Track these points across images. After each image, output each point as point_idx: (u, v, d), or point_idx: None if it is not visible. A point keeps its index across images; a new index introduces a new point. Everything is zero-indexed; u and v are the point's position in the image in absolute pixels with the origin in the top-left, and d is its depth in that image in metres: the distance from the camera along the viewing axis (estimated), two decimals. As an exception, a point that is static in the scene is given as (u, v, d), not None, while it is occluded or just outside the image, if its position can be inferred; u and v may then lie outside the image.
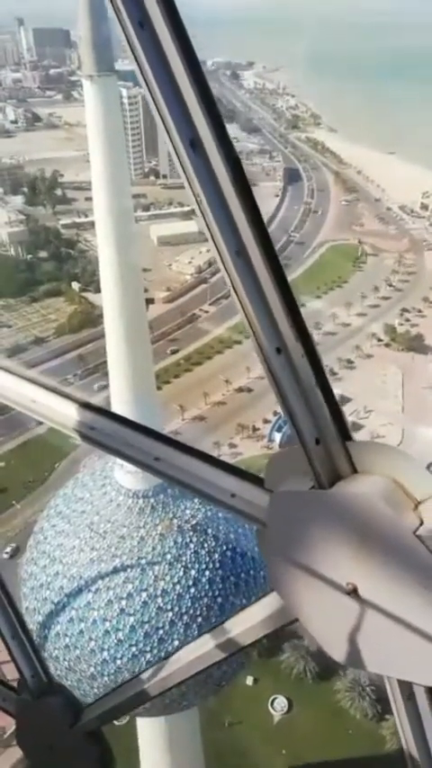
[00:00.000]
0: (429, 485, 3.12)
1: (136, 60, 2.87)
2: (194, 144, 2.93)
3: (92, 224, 25.21)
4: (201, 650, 4.61)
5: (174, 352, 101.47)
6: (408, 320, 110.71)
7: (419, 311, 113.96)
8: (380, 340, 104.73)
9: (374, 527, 3.12)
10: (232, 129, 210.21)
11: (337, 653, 3.49)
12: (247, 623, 4.23)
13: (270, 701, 49.68)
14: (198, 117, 2.88)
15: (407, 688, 3.64)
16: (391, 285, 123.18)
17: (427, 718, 3.68)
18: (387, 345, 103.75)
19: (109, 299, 20.91)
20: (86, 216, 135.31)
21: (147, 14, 2.79)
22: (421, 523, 3.04)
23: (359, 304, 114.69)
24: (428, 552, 2.98)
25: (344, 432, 3.39)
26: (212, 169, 2.96)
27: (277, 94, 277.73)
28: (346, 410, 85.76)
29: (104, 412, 4.60)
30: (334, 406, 3.38)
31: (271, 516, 3.66)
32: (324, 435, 3.38)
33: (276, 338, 3.23)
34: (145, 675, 5.06)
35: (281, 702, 49.73)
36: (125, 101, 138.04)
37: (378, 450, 3.32)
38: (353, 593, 3.27)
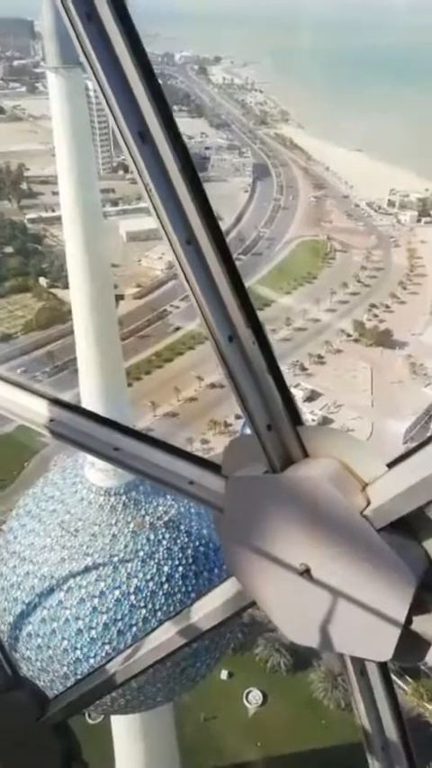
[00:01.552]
0: (376, 467, 3.23)
1: (84, 52, 2.90)
2: (143, 135, 2.96)
3: (59, 219, 24.81)
4: (164, 636, 4.68)
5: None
6: (376, 316, 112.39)
7: (387, 307, 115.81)
8: (349, 335, 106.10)
9: (324, 509, 3.22)
10: (200, 125, 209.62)
11: (293, 633, 3.59)
12: (208, 608, 4.29)
13: (245, 694, 50.05)
14: (146, 108, 2.92)
15: (359, 664, 3.76)
16: (359, 281, 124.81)
17: (378, 692, 3.81)
18: (356, 341, 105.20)
19: (78, 294, 20.67)
20: (53, 210, 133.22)
21: (94, 7, 2.81)
22: (368, 504, 3.15)
23: (328, 300, 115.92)
24: (375, 532, 3.10)
25: (295, 417, 3.47)
26: (161, 160, 3.00)
27: (245, 90, 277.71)
28: (317, 405, 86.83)
29: (65, 404, 4.60)
30: (285, 392, 3.46)
31: (227, 502, 3.73)
32: (276, 421, 3.46)
33: (228, 326, 3.29)
34: (110, 664, 5.08)
35: (255, 695, 50.07)
36: (92, 93, 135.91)
37: (328, 434, 3.41)
38: (305, 573, 3.37)
